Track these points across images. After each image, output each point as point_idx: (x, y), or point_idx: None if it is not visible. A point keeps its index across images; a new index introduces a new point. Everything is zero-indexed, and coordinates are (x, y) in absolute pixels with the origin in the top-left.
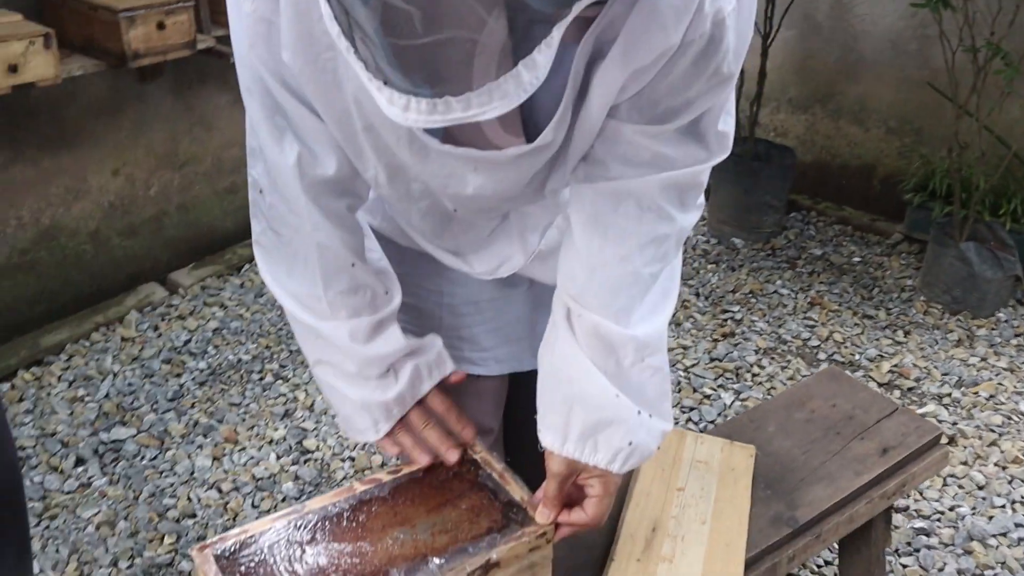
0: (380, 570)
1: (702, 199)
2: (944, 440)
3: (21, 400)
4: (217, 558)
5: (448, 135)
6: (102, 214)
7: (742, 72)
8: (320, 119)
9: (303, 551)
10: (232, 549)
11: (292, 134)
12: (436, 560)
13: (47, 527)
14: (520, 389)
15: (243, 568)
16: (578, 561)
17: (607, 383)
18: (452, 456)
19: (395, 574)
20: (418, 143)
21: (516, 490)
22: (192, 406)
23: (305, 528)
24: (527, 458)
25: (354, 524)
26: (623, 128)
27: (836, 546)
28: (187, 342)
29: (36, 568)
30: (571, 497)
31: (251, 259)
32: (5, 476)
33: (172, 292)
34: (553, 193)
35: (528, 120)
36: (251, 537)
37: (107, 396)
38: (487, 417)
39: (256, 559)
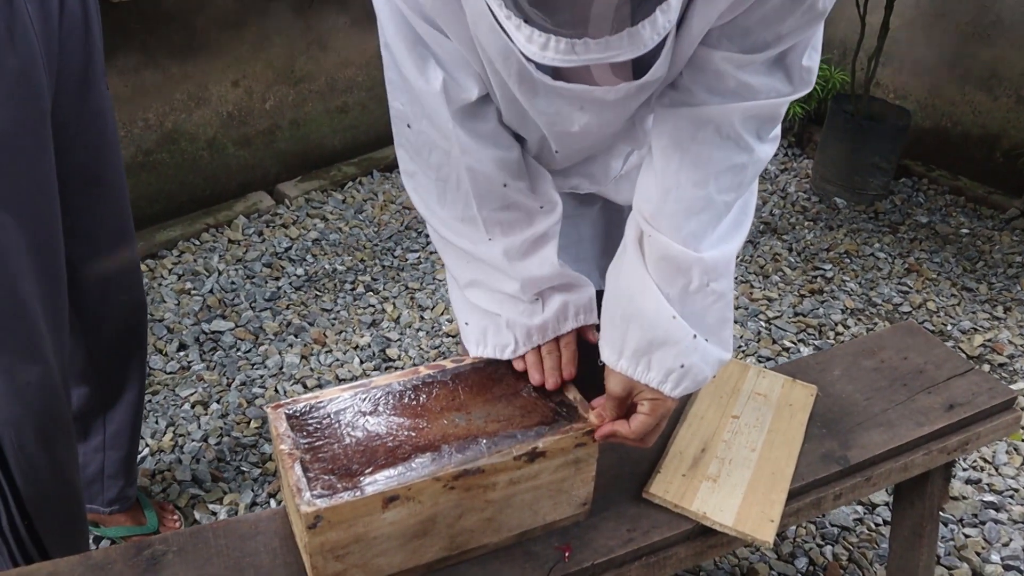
0: (432, 444)
1: (778, 132)
2: (1020, 406)
3: None
4: (288, 416)
5: (557, 75)
6: (220, 123)
7: (862, 26)
8: (457, 46)
9: (365, 419)
10: (303, 410)
11: (435, 62)
12: (485, 441)
13: (149, 401)
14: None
15: (310, 427)
16: (624, 471)
17: (666, 304)
18: (553, 384)
19: (446, 449)
20: (528, 81)
21: (569, 390)
22: (287, 307)
23: (369, 400)
24: (586, 378)
25: (414, 402)
26: (712, 55)
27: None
28: (288, 249)
29: None
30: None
31: (354, 177)
32: (136, 313)
33: (278, 202)
34: (643, 121)
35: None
36: (320, 402)
37: (211, 291)
38: None
39: (323, 422)
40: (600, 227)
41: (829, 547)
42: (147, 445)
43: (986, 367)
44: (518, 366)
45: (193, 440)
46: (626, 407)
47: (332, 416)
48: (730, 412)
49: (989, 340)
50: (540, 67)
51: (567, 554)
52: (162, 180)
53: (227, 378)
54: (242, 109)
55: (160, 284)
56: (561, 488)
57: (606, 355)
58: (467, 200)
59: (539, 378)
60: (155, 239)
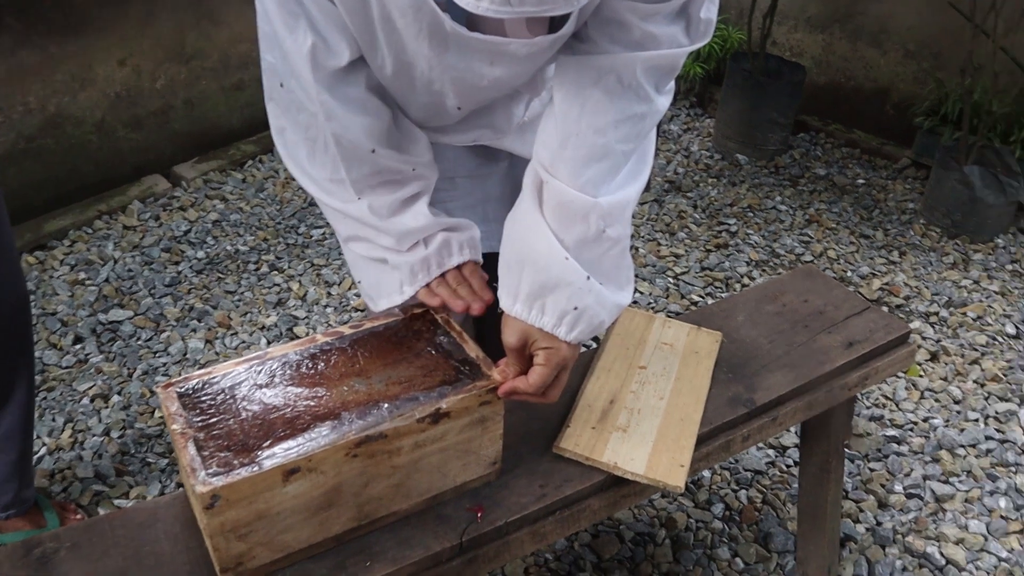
0: (332, 412)
1: (673, 85)
2: (913, 340)
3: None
4: (180, 395)
5: (472, 27)
6: (108, 104)
7: None
8: (333, 4)
9: (261, 392)
10: (195, 387)
11: (306, 22)
12: (387, 406)
13: (44, 398)
14: (496, 270)
15: (203, 405)
16: (533, 428)
17: (558, 246)
18: (478, 308)
19: (346, 416)
20: (438, 35)
21: (471, 349)
22: (188, 292)
23: (264, 372)
24: (496, 338)
25: (312, 371)
26: (617, 5)
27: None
28: (187, 232)
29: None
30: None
31: (254, 155)
32: (18, 309)
33: (175, 184)
34: (544, 70)
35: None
36: (213, 377)
37: (107, 280)
38: None
39: (217, 398)
40: (508, 186)
41: (743, 491)
42: (44, 444)
43: (884, 309)
44: (432, 302)
45: (94, 435)
46: (525, 360)
47: (227, 391)
48: (637, 363)
49: (886, 283)
50: (455, 17)
51: (479, 515)
52: (48, 167)
53: (128, 368)
54: (131, 89)
55: (51, 276)
56: (469, 448)
57: (503, 301)
58: (335, 163)
59: (461, 306)
60: (43, 229)
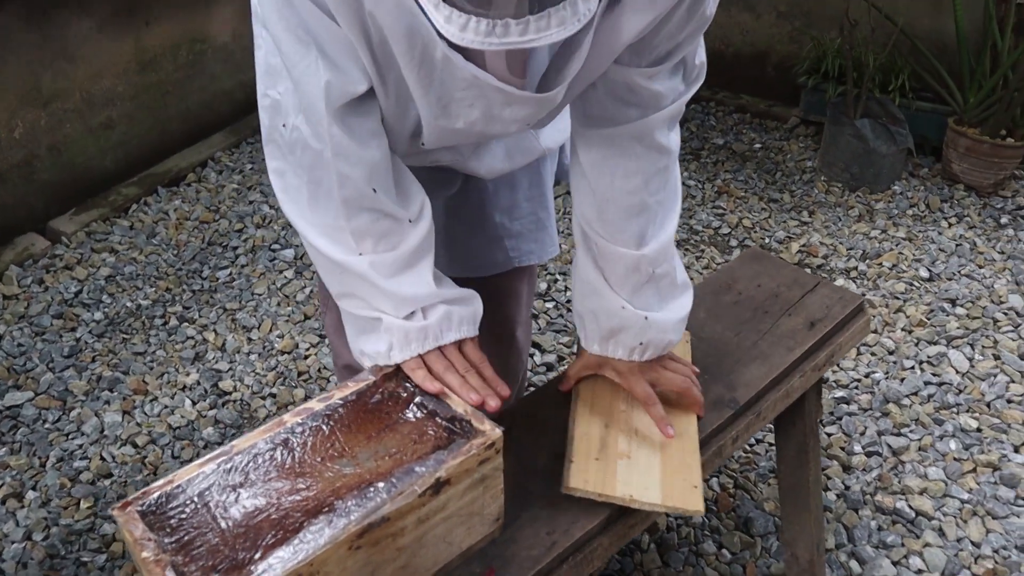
0: (324, 504)
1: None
2: (866, 308)
3: None
4: (143, 515)
5: (467, 58)
6: None
7: None
8: (346, 32)
9: (237, 494)
10: (159, 502)
11: (317, 50)
12: (382, 485)
13: None
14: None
15: (173, 522)
16: (533, 468)
17: (616, 298)
18: (495, 403)
19: (340, 506)
20: (427, 66)
21: (457, 404)
22: (93, 360)
23: (236, 470)
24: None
25: (289, 459)
26: (622, 72)
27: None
28: (78, 293)
29: None
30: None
31: (137, 198)
32: None
33: (54, 241)
34: (525, 133)
35: (527, 66)
36: (178, 487)
37: None
38: None
39: (187, 510)
40: (445, 216)
41: (715, 479)
42: None
43: (807, 272)
44: (431, 388)
45: (13, 542)
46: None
47: (196, 500)
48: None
49: (803, 245)
50: (452, 46)
51: None
52: None
53: (39, 458)
54: None
55: None
56: (472, 511)
57: (584, 343)
58: (337, 209)
59: (475, 397)
60: None
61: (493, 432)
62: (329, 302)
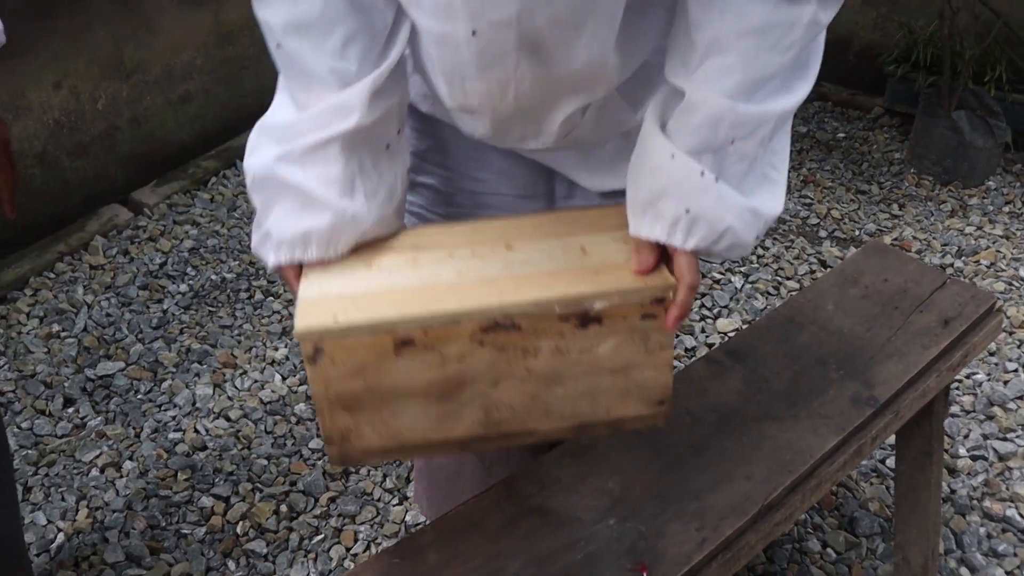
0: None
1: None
2: (999, 308)
3: None
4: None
5: None
6: (47, 133)
7: None
8: None
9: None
10: None
11: None
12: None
13: (46, 475)
14: None
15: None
16: (677, 461)
17: (666, 144)
18: None
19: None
20: None
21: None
22: (181, 332)
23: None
24: None
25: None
26: None
27: None
28: (163, 265)
29: (43, 519)
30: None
31: (216, 171)
32: None
33: (137, 213)
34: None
35: None
36: None
37: (85, 330)
38: None
39: None
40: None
41: None
42: (59, 529)
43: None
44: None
45: (114, 511)
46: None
47: None
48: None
49: (896, 239)
50: None
51: (644, 574)
52: None
53: (134, 428)
54: (71, 114)
55: (19, 333)
56: (628, 375)
57: (631, 227)
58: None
59: None
60: None
61: (666, 281)
62: None
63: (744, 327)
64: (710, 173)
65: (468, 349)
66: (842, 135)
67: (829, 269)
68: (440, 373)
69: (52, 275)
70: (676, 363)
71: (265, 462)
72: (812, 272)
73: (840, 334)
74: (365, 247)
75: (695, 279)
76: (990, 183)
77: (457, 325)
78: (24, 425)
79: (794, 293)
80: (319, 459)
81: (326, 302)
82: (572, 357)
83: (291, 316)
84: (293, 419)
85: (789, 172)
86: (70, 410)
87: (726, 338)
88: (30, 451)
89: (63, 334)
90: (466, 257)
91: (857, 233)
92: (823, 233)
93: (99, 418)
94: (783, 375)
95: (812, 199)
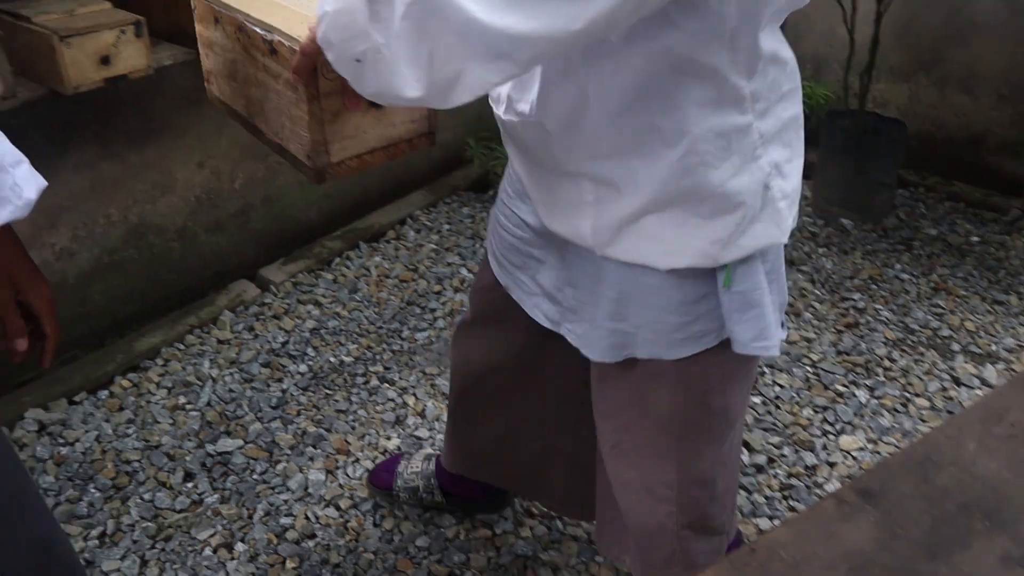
0: None
1: None
2: None
3: (122, 409)
4: None
5: None
6: (189, 209)
7: (851, 41)
8: None
9: None
10: None
11: None
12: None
13: (162, 549)
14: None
15: None
16: None
17: None
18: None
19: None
20: None
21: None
22: (298, 413)
23: None
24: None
25: None
26: None
27: None
28: (285, 343)
29: None
30: None
31: (340, 252)
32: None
33: (263, 289)
34: None
35: None
36: None
37: (208, 404)
38: None
39: None
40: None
41: None
42: None
43: None
44: None
45: None
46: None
47: None
48: None
49: None
50: None
51: None
52: (131, 279)
53: (247, 509)
54: (211, 192)
55: (148, 402)
56: (290, 113)
57: None
58: None
59: None
60: (134, 349)
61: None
62: None
63: (869, 446)
64: None
65: (233, 42)
66: (976, 239)
67: (963, 388)
68: (225, 56)
69: (182, 346)
70: (795, 481)
71: (372, 556)
72: (944, 390)
73: (984, 479)
74: None
75: (308, 41)
76: None
77: (231, 16)
78: (146, 496)
79: (924, 411)
80: (424, 557)
81: None
82: (273, 81)
83: (404, 405)
84: (400, 514)
85: (919, 278)
86: (189, 485)
87: (848, 457)
88: (149, 524)
89: (188, 406)
90: None
91: (994, 348)
92: (956, 347)
93: (216, 495)
94: (921, 522)
95: (944, 309)
